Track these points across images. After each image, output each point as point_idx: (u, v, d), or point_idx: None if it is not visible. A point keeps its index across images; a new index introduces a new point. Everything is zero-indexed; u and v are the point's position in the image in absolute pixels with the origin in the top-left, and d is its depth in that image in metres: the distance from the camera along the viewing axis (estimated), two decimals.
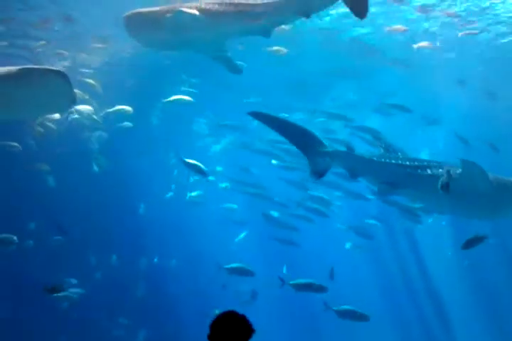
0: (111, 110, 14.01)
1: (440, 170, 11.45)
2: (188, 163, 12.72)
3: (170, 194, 19.11)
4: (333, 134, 15.71)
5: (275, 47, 13.45)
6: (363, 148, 13.93)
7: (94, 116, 13.86)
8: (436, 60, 15.65)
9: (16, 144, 13.43)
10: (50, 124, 13.69)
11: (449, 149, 18.24)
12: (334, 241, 20.06)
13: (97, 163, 16.24)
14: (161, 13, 10.91)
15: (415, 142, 19.62)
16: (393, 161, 11.89)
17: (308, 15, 10.49)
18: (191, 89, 16.09)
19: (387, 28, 14.01)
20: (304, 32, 14.73)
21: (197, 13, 10.63)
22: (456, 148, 17.09)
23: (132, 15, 11.22)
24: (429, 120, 18.30)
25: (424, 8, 13.31)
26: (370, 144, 14.86)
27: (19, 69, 8.58)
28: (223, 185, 18.95)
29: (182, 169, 18.84)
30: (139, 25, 11.30)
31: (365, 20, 9.41)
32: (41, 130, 13.65)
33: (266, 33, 11.01)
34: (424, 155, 18.08)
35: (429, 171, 11.69)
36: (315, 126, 14.54)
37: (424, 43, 14.23)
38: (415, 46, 14.51)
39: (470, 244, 10.74)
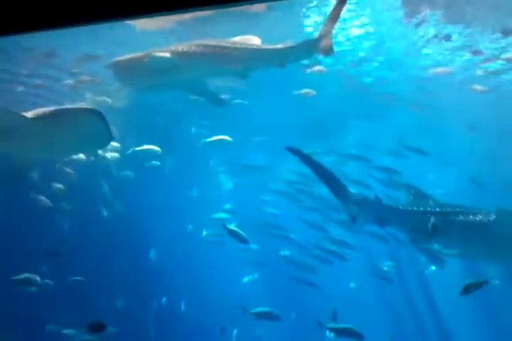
0: (139, 149, 13.94)
1: (471, 216, 11.30)
2: (231, 230, 12.93)
3: (186, 231, 18.95)
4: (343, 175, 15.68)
5: (304, 90, 13.38)
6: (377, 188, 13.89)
7: (116, 155, 13.82)
8: (452, 101, 15.66)
9: (44, 198, 13.38)
10: (68, 170, 13.64)
11: (462, 190, 18.21)
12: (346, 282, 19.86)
13: (110, 207, 16.13)
14: (139, 58, 11.20)
15: (427, 183, 19.56)
16: (422, 209, 11.60)
17: (283, 66, 10.82)
18: (202, 131, 16.23)
19: (433, 70, 13.96)
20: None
21: (169, 55, 10.89)
22: (468, 188, 17.09)
23: (116, 63, 11.63)
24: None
25: (478, 52, 13.19)
26: (386, 185, 14.85)
27: (55, 110, 8.63)
28: (232, 225, 18.77)
29: (195, 206, 18.92)
30: (123, 71, 11.69)
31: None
32: (62, 187, 13.57)
33: (242, 75, 11.21)
34: (437, 196, 18.00)
35: (461, 218, 11.43)
36: None
37: (478, 87, 14.10)
38: (473, 88, 14.36)
39: (469, 289, 10.40)
